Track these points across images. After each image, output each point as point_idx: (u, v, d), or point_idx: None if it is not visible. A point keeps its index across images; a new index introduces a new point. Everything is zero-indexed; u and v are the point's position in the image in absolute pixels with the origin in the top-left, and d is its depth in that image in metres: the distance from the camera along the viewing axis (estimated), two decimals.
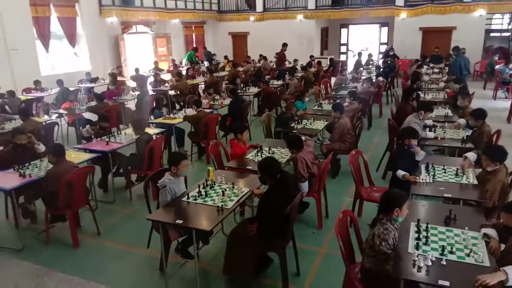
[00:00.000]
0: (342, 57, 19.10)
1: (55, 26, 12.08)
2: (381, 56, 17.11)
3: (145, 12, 14.33)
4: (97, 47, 13.14)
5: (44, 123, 6.92)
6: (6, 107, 8.30)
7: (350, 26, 18.96)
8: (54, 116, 8.59)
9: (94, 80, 11.66)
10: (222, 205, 3.53)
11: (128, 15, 13.74)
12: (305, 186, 4.49)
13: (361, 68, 13.36)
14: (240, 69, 13.99)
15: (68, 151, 4.79)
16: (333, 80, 12.02)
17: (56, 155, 4.30)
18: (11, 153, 4.76)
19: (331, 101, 8.30)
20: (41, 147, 4.98)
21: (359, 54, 15.01)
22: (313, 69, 13.24)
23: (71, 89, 9.97)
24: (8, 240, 4.38)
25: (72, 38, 12.56)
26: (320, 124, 6.39)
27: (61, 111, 8.26)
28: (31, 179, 4.26)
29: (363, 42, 20.98)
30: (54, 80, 10.18)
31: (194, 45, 17.70)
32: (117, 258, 4.15)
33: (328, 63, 14.88)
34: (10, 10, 10.22)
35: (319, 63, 13.52)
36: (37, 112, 9.31)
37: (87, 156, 5.12)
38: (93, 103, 8.39)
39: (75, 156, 5.00)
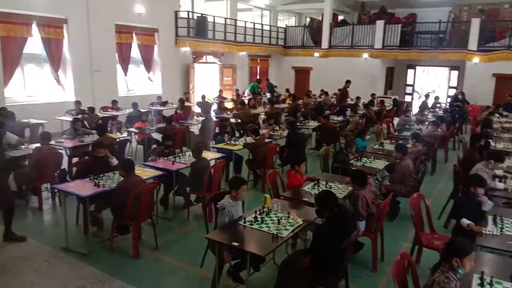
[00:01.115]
0: (407, 98, 18.65)
1: (135, 52, 13.20)
2: (449, 99, 16.50)
3: (216, 44, 15.21)
4: (169, 73, 14.11)
5: (118, 140, 7.51)
6: (85, 122, 9.12)
7: (418, 67, 18.59)
8: (125, 134, 9.27)
9: (164, 103, 12.46)
10: (277, 233, 3.58)
11: (200, 46, 14.67)
12: (362, 225, 4.41)
13: (427, 111, 12.95)
14: (301, 102, 14.19)
15: (136, 167, 5.14)
16: (396, 120, 11.78)
17: (126, 169, 4.66)
18: (90, 164, 5.23)
19: (393, 141, 8.13)
20: (114, 161, 5.40)
21: (427, 96, 14.60)
22: (375, 108, 13.08)
23: (143, 110, 10.75)
24: (77, 244, 4.73)
25: (148, 64, 13.63)
26: (380, 164, 6.28)
27: (133, 129, 8.91)
28: (104, 189, 4.64)
29: (431, 84, 20.38)
30: (129, 101, 11.07)
31: (258, 77, 18.35)
32: (172, 273, 4.32)
33: (392, 102, 14.62)
34: (98, 35, 11.41)
35: (382, 102, 13.35)
36: (111, 129, 10.10)
37: (154, 172, 5.46)
38: (162, 125, 8.96)
39: (141, 172, 5.35)
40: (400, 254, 3.15)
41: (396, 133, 9.62)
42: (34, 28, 10.18)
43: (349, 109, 11.86)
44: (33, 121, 8.83)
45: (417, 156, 6.90)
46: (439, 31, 15.88)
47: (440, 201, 6.23)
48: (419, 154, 7.00)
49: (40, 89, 11.00)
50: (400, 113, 13.11)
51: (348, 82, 14.42)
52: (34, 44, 10.56)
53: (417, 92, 19.53)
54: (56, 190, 5.82)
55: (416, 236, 4.46)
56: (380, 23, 16.52)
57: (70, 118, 9.13)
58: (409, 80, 18.98)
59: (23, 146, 6.44)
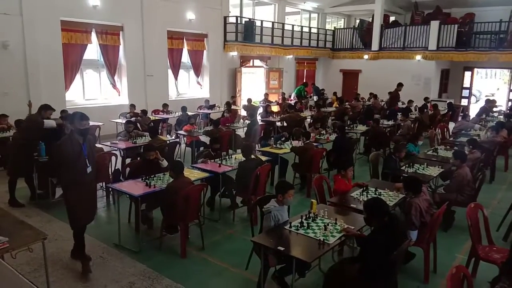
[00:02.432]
0: (463, 102, 17.67)
1: (185, 57, 13.61)
2: (510, 104, 15.41)
3: (263, 48, 15.30)
4: (217, 77, 14.40)
5: (168, 142, 7.77)
6: (138, 124, 9.53)
7: (475, 70, 17.54)
8: (173, 136, 9.56)
9: (211, 107, 12.73)
10: (324, 239, 3.52)
11: (248, 50, 14.83)
12: (414, 234, 4.21)
13: (486, 116, 12.18)
14: (349, 106, 13.90)
15: (184, 168, 5.27)
16: (451, 125, 11.18)
17: (176, 171, 4.80)
18: (142, 165, 5.45)
19: (448, 147, 7.73)
20: (164, 163, 5.58)
21: (487, 100, 13.72)
22: (429, 112, 12.49)
23: (191, 113, 11.04)
24: (129, 241, 4.94)
25: (197, 68, 14.00)
26: (434, 171, 5.98)
27: (182, 132, 9.17)
28: (155, 189, 4.81)
29: (489, 87, 19.16)
30: (179, 105, 11.42)
31: (304, 80, 18.22)
32: (217, 274, 4.38)
33: (446, 106, 13.92)
34: (152, 42, 11.89)
35: (435, 106, 12.73)
36: (161, 132, 10.47)
37: (202, 174, 5.58)
38: (209, 128, 9.15)
39: (189, 174, 5.48)
40: (455, 266, 2.97)
41: (451, 139, 9.14)
42: (93, 35, 10.81)
43: (400, 113, 11.43)
44: (91, 123, 9.34)
45: (475, 164, 6.50)
46: (499, 31, 14.88)
47: (499, 212, 5.83)
48: (477, 161, 6.59)
49: (98, 93, 11.66)
50: (455, 118, 12.44)
51: (399, 85, 13.87)
52: (93, 50, 11.22)
53: (474, 96, 18.44)
54: (110, 189, 6.14)
55: (472, 248, 4.19)
56: (434, 24, 15.79)
57: (124, 121, 9.60)
58: (466, 83, 17.95)
59: None
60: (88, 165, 4.08)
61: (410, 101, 13.61)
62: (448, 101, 14.93)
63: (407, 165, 6.12)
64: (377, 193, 4.83)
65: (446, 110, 13.48)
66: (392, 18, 19.05)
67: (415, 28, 16.66)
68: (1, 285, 1.37)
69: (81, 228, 4.34)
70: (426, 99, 14.05)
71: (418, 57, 16.18)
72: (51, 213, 5.80)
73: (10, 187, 6.10)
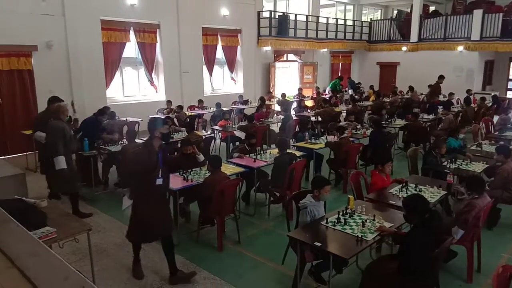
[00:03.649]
0: (510, 94, 16.74)
1: (219, 53, 13.73)
2: None
3: (297, 42, 15.17)
4: (251, 72, 14.43)
5: (203, 137, 7.89)
6: (175, 120, 9.74)
7: None
8: (209, 131, 9.70)
9: (245, 102, 12.78)
10: (362, 236, 3.46)
11: (282, 45, 14.75)
12: (459, 233, 4.04)
13: None
14: (386, 100, 13.53)
15: None
16: (496, 119, 10.63)
17: (214, 165, 4.88)
18: (179, 159, 5.57)
19: (493, 141, 7.37)
20: (201, 157, 5.67)
21: None
22: (473, 105, 11.94)
23: (225, 109, 11.15)
24: None
25: (231, 64, 14.09)
26: (478, 166, 5.72)
27: (217, 127, 9.29)
28: (192, 183, 4.91)
29: None
30: (213, 100, 11.57)
31: (339, 74, 17.91)
32: (253, 267, 4.42)
33: (491, 99, 13.24)
34: (187, 39, 12.08)
35: (482, 99, 12.10)
36: (197, 127, 10.65)
37: (237, 169, 5.63)
38: (243, 123, 9.20)
39: (224, 169, 5.52)
40: (502, 266, 2.84)
41: (496, 133, 8.70)
42: (131, 33, 11.12)
43: (441, 107, 10.99)
44: (130, 119, 9.67)
45: None
46: None
47: None
48: None
49: (136, 90, 12.01)
50: (501, 111, 11.81)
51: (441, 77, 13.28)
52: (131, 48, 11.54)
53: None
54: None
55: None
56: (478, 13, 15.02)
57: (161, 117, 9.84)
58: None
59: (120, 142, 7.08)
60: (160, 176, 3.82)
61: (451, 94, 13.06)
62: (492, 94, 14.20)
63: (449, 161, 5.89)
64: (418, 190, 4.69)
65: (491, 103, 12.82)
66: (432, 8, 18.34)
67: (456, 17, 15.95)
68: (50, 272, 1.44)
69: (137, 243, 4.20)
70: (468, 91, 13.43)
71: (460, 48, 15.48)
72: (95, 206, 6.05)
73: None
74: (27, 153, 8.04)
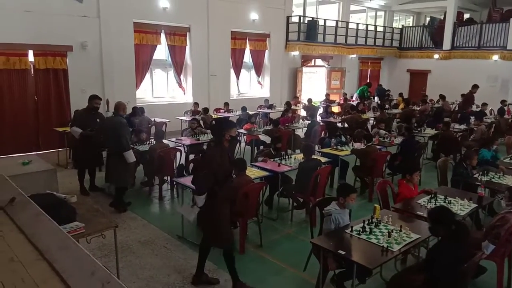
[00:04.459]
0: None
1: (247, 57, 13.81)
2: None
3: (325, 47, 15.07)
4: (277, 77, 14.44)
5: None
6: (201, 122, 9.84)
7: None
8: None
9: (271, 106, 12.78)
10: (387, 246, 3.38)
11: (310, 50, 14.68)
12: (490, 248, 3.89)
13: None
14: (416, 108, 13.21)
15: None
16: None
17: (239, 168, 4.88)
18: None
19: None
20: None
21: None
22: (506, 116, 11.51)
23: (251, 113, 11.18)
24: (191, 234, 5.11)
25: (259, 68, 14.14)
26: (511, 180, 5.49)
27: (242, 131, 9.32)
28: None
29: None
30: (240, 104, 11.64)
31: (368, 80, 17.64)
32: (275, 272, 4.40)
33: None
34: (216, 42, 12.22)
35: None
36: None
37: (261, 173, 5.62)
38: (269, 127, 9.19)
39: (248, 172, 5.51)
40: None
41: None
42: (162, 36, 11.35)
43: (473, 117, 10.64)
44: (158, 119, 9.85)
45: None
46: None
47: None
48: None
49: (165, 91, 12.24)
50: None
51: (475, 86, 12.83)
52: (161, 51, 11.78)
53: None
54: (175, 183, 6.41)
55: None
56: None
57: (188, 118, 9.97)
58: None
59: (147, 142, 7.22)
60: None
61: (484, 104, 12.60)
62: None
63: (480, 173, 5.68)
64: (447, 201, 4.54)
65: None
66: (466, 15, 17.83)
67: (492, 25, 15.47)
68: (78, 266, 1.47)
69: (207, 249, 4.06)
70: (503, 102, 12.97)
71: (495, 57, 14.97)
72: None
73: (91, 176, 6.70)
74: (59, 149, 8.32)
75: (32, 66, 8.97)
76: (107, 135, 5.77)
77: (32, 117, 9.13)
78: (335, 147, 7.48)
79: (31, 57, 8.90)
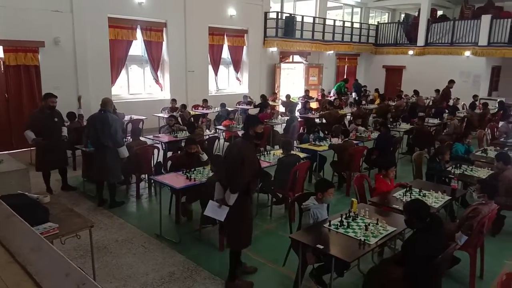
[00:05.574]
0: None
1: (225, 53, 13.74)
2: None
3: (303, 43, 15.15)
4: (256, 73, 14.43)
5: (207, 136, 7.89)
6: (179, 118, 9.73)
7: None
8: (213, 131, 9.70)
9: (250, 102, 12.76)
10: (364, 240, 3.44)
11: (288, 46, 14.73)
12: (463, 239, 4.01)
13: None
14: (392, 103, 13.47)
15: None
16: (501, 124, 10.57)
17: (216, 165, 4.85)
18: (183, 158, 5.57)
19: (498, 148, 7.32)
20: (204, 156, 5.67)
21: None
22: (477, 111, 11.89)
23: (230, 109, 11.14)
24: (169, 232, 5.07)
25: (237, 64, 14.10)
26: (483, 172, 5.69)
27: (221, 127, 9.28)
28: (195, 182, 4.90)
29: None
30: (218, 100, 11.60)
31: (345, 76, 17.87)
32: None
33: (497, 105, 13.16)
34: (193, 38, 12.10)
35: (485, 104, 12.07)
36: (200, 126, 10.64)
37: None
38: None
39: None
40: (506, 273, 2.81)
41: (502, 139, 8.64)
42: (138, 31, 11.15)
43: (447, 111, 10.95)
44: (135, 117, 9.69)
45: None
46: None
47: None
48: None
49: (141, 88, 12.04)
50: (506, 118, 11.74)
51: (451, 82, 13.17)
52: (137, 46, 11.57)
53: None
54: (152, 181, 6.33)
55: None
56: (486, 18, 14.95)
57: (166, 115, 9.85)
58: None
59: (124, 140, 7.09)
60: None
61: (457, 99, 12.98)
62: (499, 100, 14.10)
63: (453, 166, 5.86)
64: (422, 194, 4.66)
65: (497, 109, 12.75)
66: (440, 12, 18.25)
67: (464, 22, 15.88)
68: (51, 268, 1.43)
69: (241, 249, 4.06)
70: (475, 97, 13.37)
71: (467, 53, 15.41)
72: (96, 202, 6.05)
73: (62, 176, 6.53)
74: (32, 148, 8.06)
75: (2, 62, 8.66)
76: (96, 131, 5.62)
77: (3, 115, 8.84)
78: (313, 142, 7.55)
79: (0, 53, 8.60)
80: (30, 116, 6.35)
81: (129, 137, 7.27)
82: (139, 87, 12.00)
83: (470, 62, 15.46)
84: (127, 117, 9.48)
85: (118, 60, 10.82)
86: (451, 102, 13.24)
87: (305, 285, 3.88)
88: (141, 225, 5.35)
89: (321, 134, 8.55)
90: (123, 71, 11.24)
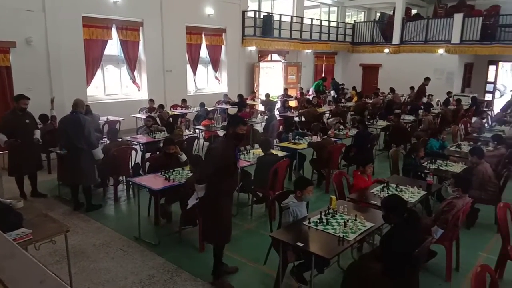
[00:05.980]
0: (488, 96, 17.17)
1: (203, 52, 13.64)
2: None
3: (281, 42, 15.20)
4: (235, 72, 14.40)
5: (186, 136, 7.82)
6: (157, 119, 9.62)
7: (500, 63, 17.00)
8: (192, 131, 9.63)
9: (229, 102, 12.72)
10: (343, 236, 3.48)
11: (266, 45, 14.76)
12: (439, 232, 4.11)
13: (511, 111, 11.81)
14: (369, 101, 13.69)
15: None
16: (474, 120, 10.90)
17: (196, 165, 4.82)
18: (161, 159, 5.50)
19: (471, 143, 7.54)
20: (183, 157, 5.62)
21: None
22: (451, 107, 12.21)
23: (209, 108, 11.08)
24: (148, 235, 5.00)
25: (216, 63, 14.02)
26: (457, 167, 5.84)
27: (200, 127, 9.22)
28: (174, 183, 4.84)
29: None
30: (197, 100, 11.50)
31: (323, 75, 18.04)
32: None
33: (470, 101, 13.56)
34: (171, 37, 11.96)
35: (458, 101, 12.41)
36: (179, 127, 10.54)
37: None
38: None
39: None
40: (480, 265, 2.89)
41: (475, 135, 8.90)
42: (114, 31, 10.93)
43: (422, 108, 11.21)
44: (111, 117, 9.51)
45: (500, 160, 6.31)
46: None
47: None
48: (501, 158, 6.40)
49: (118, 88, 11.83)
50: (479, 113, 12.11)
51: (427, 79, 13.50)
52: (113, 46, 11.36)
53: (499, 90, 17.91)
54: (130, 183, 6.22)
55: (502, 249, 4.07)
56: (458, 16, 15.37)
57: (143, 115, 9.71)
58: (490, 77, 17.43)
59: (101, 141, 6.94)
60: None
61: (431, 96, 13.29)
62: (471, 95, 14.53)
63: (429, 161, 5.99)
64: (398, 190, 4.75)
65: (470, 105, 13.13)
66: (414, 11, 18.66)
67: (437, 21, 16.28)
68: (25, 275, 1.39)
69: (222, 245, 4.06)
70: (448, 93, 13.75)
71: (441, 50, 15.80)
72: (71, 206, 5.91)
73: (32, 181, 6.32)
74: (4, 152, 7.80)
75: None
76: (68, 133, 5.48)
77: None
78: (293, 140, 7.59)
79: None
80: (2, 118, 6.13)
81: (106, 139, 7.11)
82: (115, 88, 11.78)
83: (443, 60, 15.86)
84: (103, 118, 9.31)
85: (93, 60, 10.60)
86: (424, 100, 13.57)
87: (286, 283, 3.89)
88: (119, 228, 5.26)
89: (302, 131, 8.59)
90: (99, 71, 11.01)
